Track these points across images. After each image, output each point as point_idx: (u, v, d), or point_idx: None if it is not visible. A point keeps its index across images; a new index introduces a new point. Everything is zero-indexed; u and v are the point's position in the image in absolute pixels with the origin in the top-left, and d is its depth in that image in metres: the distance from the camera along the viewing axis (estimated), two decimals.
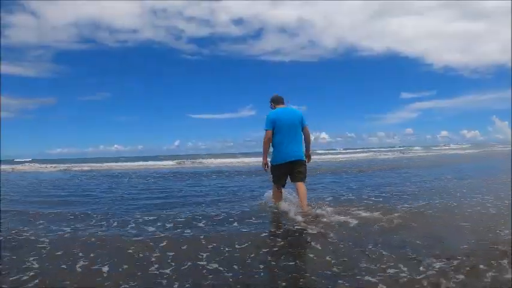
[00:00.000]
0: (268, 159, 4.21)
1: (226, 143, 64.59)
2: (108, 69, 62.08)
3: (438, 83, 68.79)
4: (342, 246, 2.71)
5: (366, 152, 35.71)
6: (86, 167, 20.10)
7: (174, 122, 71.80)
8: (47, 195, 6.71)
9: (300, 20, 58.57)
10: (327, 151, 41.07)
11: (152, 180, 9.88)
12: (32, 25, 50.42)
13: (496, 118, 59.62)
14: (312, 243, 2.85)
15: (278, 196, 4.28)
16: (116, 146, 68.50)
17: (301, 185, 4.05)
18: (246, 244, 2.88)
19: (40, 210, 4.83)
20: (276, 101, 4.27)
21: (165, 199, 5.74)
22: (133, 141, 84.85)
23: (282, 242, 2.92)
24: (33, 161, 33.65)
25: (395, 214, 3.78)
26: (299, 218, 3.66)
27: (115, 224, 3.83)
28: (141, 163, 22.87)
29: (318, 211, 3.88)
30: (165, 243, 2.95)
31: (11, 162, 30.34)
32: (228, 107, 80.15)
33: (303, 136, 4.21)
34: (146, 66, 63.31)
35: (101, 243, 3.02)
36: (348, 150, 44.61)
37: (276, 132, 4.06)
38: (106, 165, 21.22)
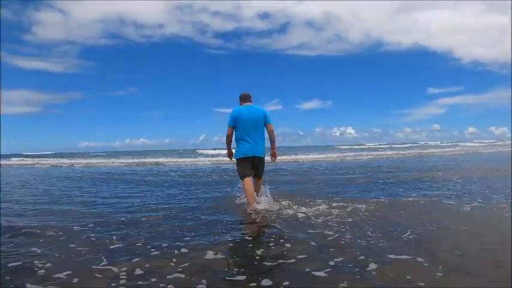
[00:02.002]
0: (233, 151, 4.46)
1: None
2: (134, 65, 63.77)
3: (466, 78, 66.79)
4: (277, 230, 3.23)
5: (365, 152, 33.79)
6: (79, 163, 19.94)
7: (200, 116, 73.26)
8: None
9: (326, 15, 58.50)
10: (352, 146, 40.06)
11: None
12: (59, 22, 52.57)
13: None
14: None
15: (249, 188, 4.25)
16: (142, 139, 72.19)
17: (257, 180, 4.44)
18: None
19: None
20: (242, 99, 4.44)
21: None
22: (159, 135, 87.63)
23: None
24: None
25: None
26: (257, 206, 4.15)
27: None
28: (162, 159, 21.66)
29: (266, 206, 4.20)
30: None
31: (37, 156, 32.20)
32: (253, 101, 78.17)
33: (267, 134, 4.38)
34: (172, 61, 64.95)
35: None
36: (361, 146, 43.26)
37: (238, 129, 4.28)
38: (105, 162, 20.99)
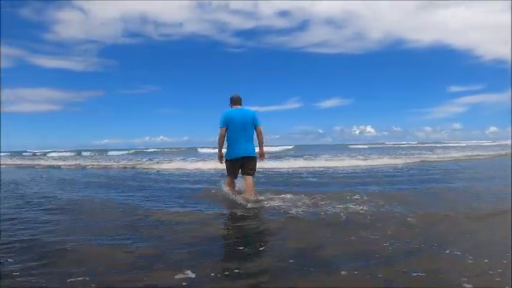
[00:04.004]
0: (224, 151, 4.64)
1: (272, 136, 64.01)
2: (154, 63, 64.33)
3: (488, 76, 65.49)
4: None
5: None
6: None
7: (219, 114, 71.45)
8: None
9: (346, 12, 57.58)
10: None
11: None
12: (79, 21, 53.21)
13: None
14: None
15: (231, 185, 4.77)
16: (161, 137, 72.62)
17: (248, 178, 4.56)
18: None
19: None
20: (234, 101, 4.65)
21: None
22: (178, 133, 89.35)
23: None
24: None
25: None
26: (243, 202, 4.35)
27: None
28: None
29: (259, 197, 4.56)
30: None
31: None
32: (273, 100, 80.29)
33: (256, 135, 4.59)
34: (191, 59, 65.93)
35: None
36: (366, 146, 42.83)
37: (229, 130, 4.47)
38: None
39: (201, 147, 39.36)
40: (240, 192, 4.70)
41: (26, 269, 2.25)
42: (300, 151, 30.74)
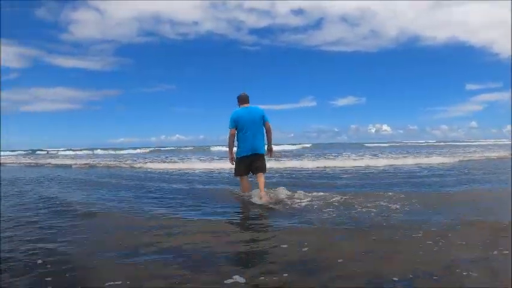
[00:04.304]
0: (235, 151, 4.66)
1: (287, 134, 62.85)
2: (170, 62, 64.17)
3: (505, 73, 63.00)
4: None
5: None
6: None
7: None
8: None
9: (361, 10, 56.02)
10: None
11: None
12: (95, 21, 52.94)
13: None
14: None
15: (246, 186, 4.74)
16: (177, 135, 71.08)
17: (260, 175, 4.51)
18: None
19: None
20: (241, 100, 4.64)
21: None
22: (194, 131, 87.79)
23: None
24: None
25: None
26: (258, 200, 4.28)
27: None
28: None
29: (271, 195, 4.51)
30: None
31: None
32: (288, 98, 76.05)
33: (265, 131, 4.60)
34: (207, 58, 64.48)
35: None
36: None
37: (239, 129, 4.49)
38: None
39: (214, 146, 38.58)
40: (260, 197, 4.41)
41: None
42: (320, 149, 29.34)
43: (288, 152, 24.35)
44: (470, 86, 61.29)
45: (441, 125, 70.25)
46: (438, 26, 60.46)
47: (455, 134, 72.44)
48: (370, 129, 71.68)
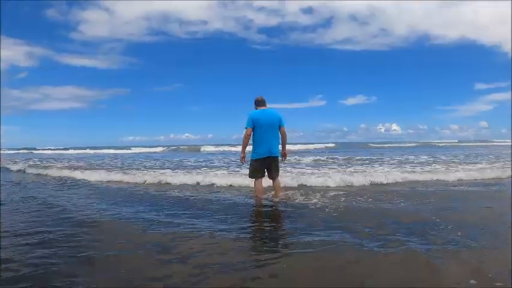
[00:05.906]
0: (247, 154, 4.82)
1: (297, 133, 63.20)
2: (179, 61, 64.17)
3: None
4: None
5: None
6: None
7: (244, 111, 71.87)
8: None
9: (371, 8, 55.49)
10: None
11: None
12: (104, 20, 53.57)
13: None
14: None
15: (260, 189, 4.81)
16: (186, 134, 72.18)
17: (276, 179, 4.86)
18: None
19: None
20: (258, 103, 4.79)
21: None
22: (203, 130, 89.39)
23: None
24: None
25: None
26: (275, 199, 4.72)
27: None
28: None
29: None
30: None
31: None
32: (298, 97, 78.18)
33: (280, 135, 4.77)
34: (216, 57, 64.80)
35: None
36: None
37: (256, 131, 4.64)
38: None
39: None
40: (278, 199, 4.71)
41: None
42: (349, 149, 25.88)
43: (311, 152, 20.82)
44: (479, 86, 60.44)
45: (451, 124, 68.75)
46: (448, 25, 59.60)
47: (465, 133, 72.19)
48: (379, 128, 70.28)
